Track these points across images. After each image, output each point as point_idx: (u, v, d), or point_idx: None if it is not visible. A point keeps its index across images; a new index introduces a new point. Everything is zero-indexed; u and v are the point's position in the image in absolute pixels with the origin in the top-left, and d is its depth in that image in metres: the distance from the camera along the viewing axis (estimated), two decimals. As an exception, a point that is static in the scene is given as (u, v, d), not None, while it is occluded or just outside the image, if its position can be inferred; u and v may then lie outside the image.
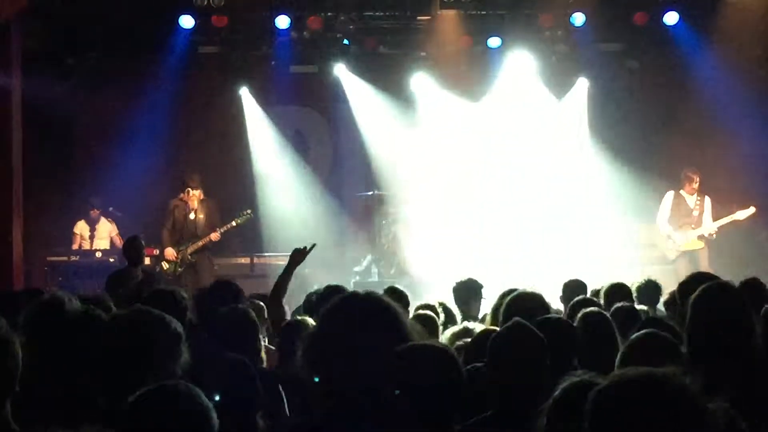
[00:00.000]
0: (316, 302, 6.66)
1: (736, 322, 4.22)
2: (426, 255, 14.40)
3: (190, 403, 2.88)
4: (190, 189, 13.02)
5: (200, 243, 12.98)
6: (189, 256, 12.97)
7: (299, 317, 6.33)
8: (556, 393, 3.18)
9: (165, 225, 13.34)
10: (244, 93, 16.11)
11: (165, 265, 13.08)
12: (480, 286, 7.95)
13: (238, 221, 13.18)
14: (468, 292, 7.80)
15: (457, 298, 7.80)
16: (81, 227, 14.30)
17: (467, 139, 15.73)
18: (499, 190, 15.33)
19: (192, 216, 13.04)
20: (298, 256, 7.17)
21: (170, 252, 13.09)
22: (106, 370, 3.48)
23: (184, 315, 5.60)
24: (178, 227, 13.02)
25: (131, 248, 10.31)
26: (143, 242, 10.75)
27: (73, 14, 14.09)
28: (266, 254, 15.22)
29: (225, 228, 13.09)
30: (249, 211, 13.38)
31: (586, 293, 7.69)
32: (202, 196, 13.21)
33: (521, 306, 5.17)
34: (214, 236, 12.99)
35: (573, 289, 7.80)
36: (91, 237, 14.28)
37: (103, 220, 14.39)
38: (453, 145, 15.70)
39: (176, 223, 13.03)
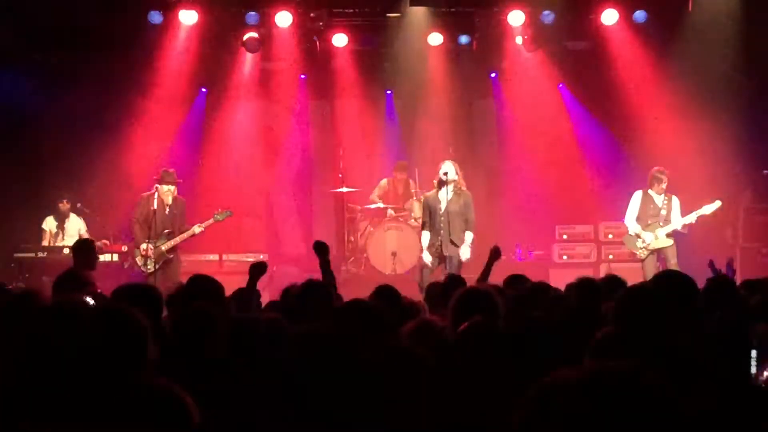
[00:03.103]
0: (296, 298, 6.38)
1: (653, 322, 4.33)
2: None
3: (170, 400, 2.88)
4: (165, 185, 12.81)
5: (179, 239, 12.79)
6: (166, 253, 12.78)
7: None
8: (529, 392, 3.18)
9: (137, 219, 12.97)
10: (215, 88, 16.07)
11: (139, 261, 12.89)
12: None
13: (219, 218, 13.01)
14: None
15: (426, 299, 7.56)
16: (49, 223, 14.14)
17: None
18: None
19: (167, 211, 12.83)
20: (257, 271, 7.35)
21: (144, 247, 12.82)
22: (75, 364, 3.45)
23: (160, 311, 5.59)
24: (149, 222, 12.75)
25: (81, 251, 9.88)
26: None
27: (39, 9, 13.96)
28: (235, 252, 15.21)
29: (207, 223, 12.94)
30: (229, 210, 13.19)
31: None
32: (176, 193, 13.01)
33: (470, 302, 5.13)
34: (198, 230, 12.82)
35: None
36: (60, 233, 14.11)
37: (72, 216, 14.25)
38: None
39: (148, 217, 12.76)
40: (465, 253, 11.69)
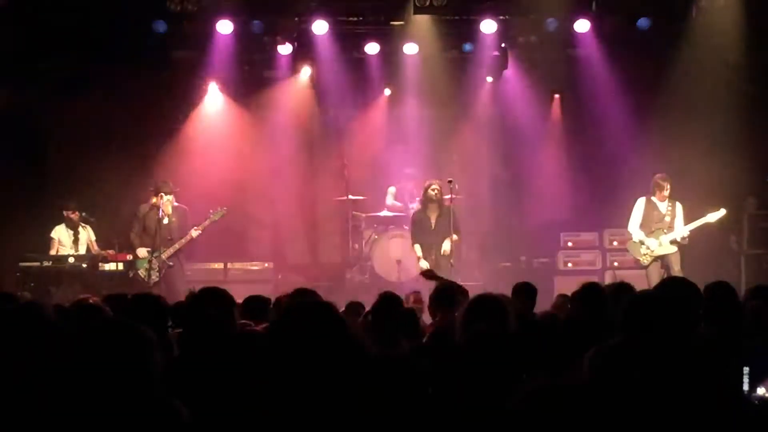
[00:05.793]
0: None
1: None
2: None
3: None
4: (163, 194, 12.85)
5: (177, 246, 12.82)
6: (168, 261, 12.81)
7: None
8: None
9: (134, 230, 13.13)
10: (218, 98, 16.10)
11: (141, 273, 12.91)
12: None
13: (214, 218, 13.05)
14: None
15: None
16: (59, 232, 13.98)
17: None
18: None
19: (166, 221, 12.87)
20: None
21: (143, 252, 12.93)
22: (77, 381, 3.43)
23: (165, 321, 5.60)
24: (151, 233, 12.79)
25: None
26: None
27: (44, 18, 14.00)
28: (240, 261, 15.20)
29: (203, 225, 12.97)
30: (224, 208, 13.23)
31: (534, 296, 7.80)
32: (175, 202, 13.06)
33: (480, 309, 5.15)
34: (194, 233, 12.85)
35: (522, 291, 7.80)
36: (75, 242, 14.00)
37: (81, 225, 14.23)
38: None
39: (149, 228, 12.82)
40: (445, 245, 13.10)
